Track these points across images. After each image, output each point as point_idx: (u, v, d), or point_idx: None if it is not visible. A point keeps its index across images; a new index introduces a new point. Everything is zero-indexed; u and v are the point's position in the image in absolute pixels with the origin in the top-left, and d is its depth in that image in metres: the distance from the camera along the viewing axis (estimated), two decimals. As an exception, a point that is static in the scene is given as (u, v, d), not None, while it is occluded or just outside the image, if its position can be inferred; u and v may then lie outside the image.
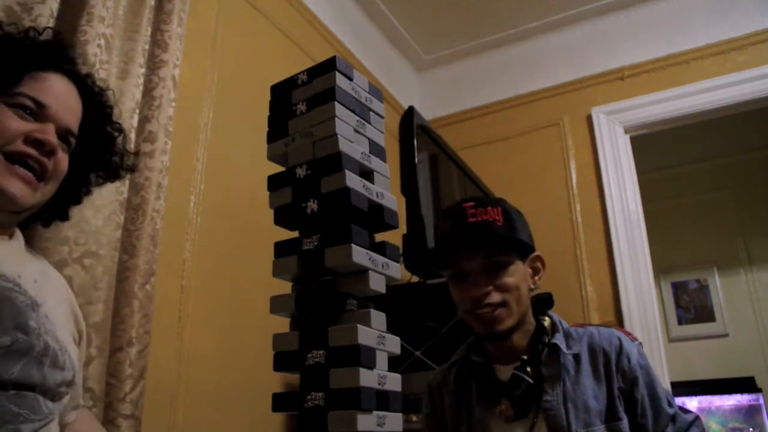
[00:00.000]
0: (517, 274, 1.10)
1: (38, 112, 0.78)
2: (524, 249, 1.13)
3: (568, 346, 1.10)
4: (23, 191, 0.76)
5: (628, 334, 1.14)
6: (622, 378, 1.07)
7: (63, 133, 0.81)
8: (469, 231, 1.09)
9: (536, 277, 1.15)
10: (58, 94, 0.81)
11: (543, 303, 1.18)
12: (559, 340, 1.10)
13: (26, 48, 0.80)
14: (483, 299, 1.08)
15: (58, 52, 0.85)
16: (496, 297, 1.08)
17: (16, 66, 0.77)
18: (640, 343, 1.13)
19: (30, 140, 0.76)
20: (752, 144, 3.93)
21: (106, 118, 0.90)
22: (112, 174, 0.93)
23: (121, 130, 0.93)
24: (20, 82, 0.77)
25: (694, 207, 4.13)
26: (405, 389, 1.12)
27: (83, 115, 0.86)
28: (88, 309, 1.17)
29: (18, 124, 0.75)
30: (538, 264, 1.16)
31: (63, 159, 0.82)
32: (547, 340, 1.11)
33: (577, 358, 1.09)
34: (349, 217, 1.04)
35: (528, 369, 1.08)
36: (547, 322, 1.14)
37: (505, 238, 1.09)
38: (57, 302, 0.86)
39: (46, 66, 0.81)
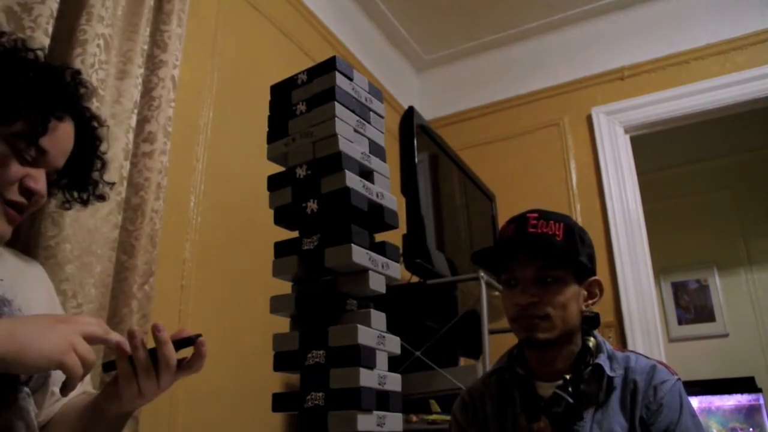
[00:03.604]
0: (568, 292, 1.09)
1: (37, 157, 0.80)
2: (582, 270, 1.12)
3: (612, 369, 1.10)
4: (7, 230, 0.80)
5: (668, 367, 1.12)
6: (646, 409, 1.05)
7: (50, 173, 0.84)
8: (526, 240, 1.10)
9: (590, 301, 1.14)
10: (60, 141, 0.83)
11: (589, 322, 1.17)
12: (603, 360, 1.10)
13: (51, 96, 0.81)
14: (527, 308, 1.08)
15: (76, 98, 0.86)
16: (540, 308, 1.07)
17: (40, 117, 0.78)
18: (679, 379, 1.10)
19: (24, 188, 0.79)
20: (752, 144, 3.93)
21: (92, 152, 0.92)
22: (81, 200, 0.94)
23: (103, 163, 0.95)
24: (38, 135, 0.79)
25: (694, 207, 4.13)
26: (405, 389, 1.12)
27: (73, 147, 0.88)
28: (85, 307, 1.17)
29: (17, 170, 0.78)
30: (596, 289, 1.15)
31: (43, 198, 0.85)
32: (590, 361, 1.10)
33: (614, 382, 1.09)
34: (349, 217, 1.04)
35: (570, 389, 1.07)
36: (592, 342, 1.13)
37: (559, 253, 1.09)
38: (34, 298, 0.87)
39: (62, 116, 0.83)
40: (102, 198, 0.96)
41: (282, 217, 1.11)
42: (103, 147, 0.95)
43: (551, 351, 1.10)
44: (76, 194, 0.93)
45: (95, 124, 0.92)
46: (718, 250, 4.01)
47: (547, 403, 1.08)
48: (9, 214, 0.79)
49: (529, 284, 1.09)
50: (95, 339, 0.69)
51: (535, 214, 1.12)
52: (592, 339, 1.13)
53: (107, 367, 0.80)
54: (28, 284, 0.88)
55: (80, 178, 0.92)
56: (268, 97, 1.20)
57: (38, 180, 0.80)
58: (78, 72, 0.88)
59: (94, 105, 1.26)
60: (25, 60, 0.80)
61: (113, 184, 1.04)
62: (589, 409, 1.07)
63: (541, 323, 1.07)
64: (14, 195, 0.78)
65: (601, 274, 1.18)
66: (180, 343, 0.80)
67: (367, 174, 1.11)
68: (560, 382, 1.08)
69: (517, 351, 1.19)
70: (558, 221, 1.10)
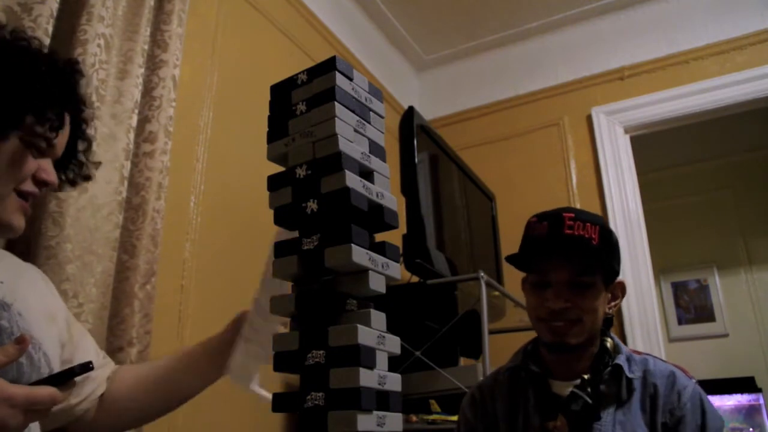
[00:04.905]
0: (599, 297, 1.08)
1: (46, 150, 0.83)
2: (610, 273, 1.11)
3: (631, 370, 1.09)
4: (23, 223, 0.83)
5: (684, 371, 1.11)
6: (669, 414, 1.04)
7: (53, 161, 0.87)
8: (563, 242, 1.06)
9: (613, 303, 1.13)
10: (64, 132, 0.86)
11: (605, 322, 1.16)
12: (622, 361, 1.09)
13: (62, 91, 0.83)
14: (559, 312, 1.06)
15: (77, 89, 0.88)
16: (573, 314, 1.06)
17: (54, 113, 0.81)
18: (696, 382, 1.10)
19: (38, 180, 0.82)
20: (752, 144, 3.93)
21: (81, 134, 0.94)
22: (69, 181, 0.96)
23: (89, 144, 0.97)
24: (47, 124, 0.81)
25: (694, 207, 4.13)
26: (405, 389, 1.12)
27: None
28: (86, 307, 1.17)
29: (32, 164, 0.81)
30: (618, 291, 1.14)
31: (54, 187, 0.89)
32: (609, 362, 1.09)
33: (634, 384, 1.08)
34: (349, 217, 1.04)
35: (588, 389, 1.06)
36: (609, 343, 1.12)
37: (597, 258, 1.07)
38: (34, 300, 0.87)
39: (71, 109, 0.86)
40: (88, 178, 0.98)
41: (282, 217, 1.11)
42: (89, 129, 0.97)
43: (575, 354, 1.10)
44: (64, 176, 0.95)
45: (83, 107, 0.93)
46: (718, 250, 4.01)
47: (565, 401, 1.06)
48: (24, 207, 0.82)
49: (563, 288, 1.06)
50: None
51: (572, 215, 1.08)
52: (609, 340, 1.13)
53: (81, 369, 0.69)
54: (28, 286, 0.88)
55: (69, 159, 0.93)
56: (268, 97, 1.20)
57: (50, 172, 0.83)
58: (76, 61, 0.90)
59: (95, 104, 1.26)
60: (33, 55, 0.82)
61: (99, 163, 1.05)
62: (609, 408, 1.05)
63: (572, 328, 1.06)
64: (29, 186, 0.81)
65: (602, 274, 1.17)
66: (65, 375, 0.69)
67: (367, 174, 1.11)
68: (578, 381, 1.07)
69: (531, 348, 1.18)
70: (594, 224, 1.07)
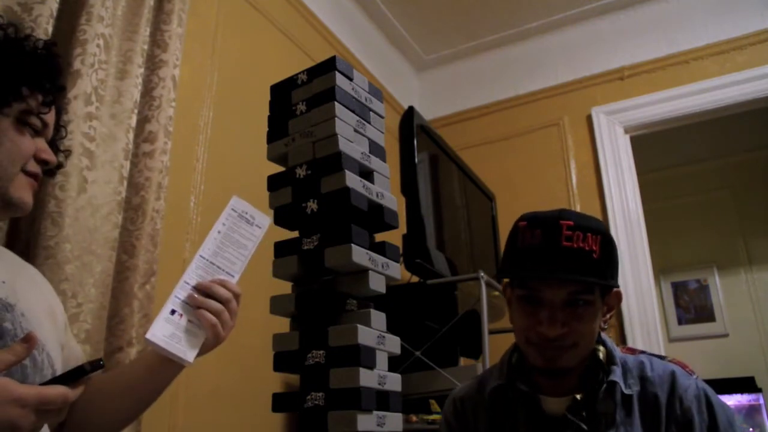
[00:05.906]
0: (597, 315, 0.96)
1: (42, 130, 0.86)
2: (609, 285, 0.98)
3: (627, 384, 0.98)
4: (31, 200, 0.86)
5: (684, 366, 1.03)
6: (675, 424, 0.95)
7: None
8: (561, 256, 0.91)
9: (608, 315, 1.03)
10: (53, 113, 0.89)
11: None
12: (617, 377, 0.97)
13: (49, 69, 0.87)
14: (555, 340, 0.94)
15: (59, 70, 0.91)
16: (569, 340, 0.94)
17: (44, 92, 0.85)
18: (697, 377, 1.01)
19: (38, 160, 0.85)
20: (752, 144, 3.93)
21: (59, 120, 0.97)
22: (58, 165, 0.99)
23: (65, 131, 1.01)
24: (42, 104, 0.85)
25: (694, 207, 4.13)
26: (405, 389, 1.12)
27: None
28: (85, 307, 1.17)
29: (31, 144, 0.84)
30: (614, 301, 1.02)
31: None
32: (604, 378, 0.98)
33: (632, 398, 0.97)
34: (349, 217, 1.04)
35: (583, 413, 0.96)
36: (602, 352, 1.01)
37: (600, 275, 0.93)
38: (35, 299, 0.86)
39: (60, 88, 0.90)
40: (61, 165, 1.00)
41: (282, 217, 1.11)
42: (64, 116, 1.00)
43: (567, 373, 1.00)
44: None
45: (64, 90, 0.98)
46: (718, 250, 4.01)
47: (558, 426, 0.98)
48: (32, 184, 0.85)
49: (558, 309, 0.94)
50: (9, 366, 0.64)
51: (570, 222, 0.93)
52: (601, 348, 1.03)
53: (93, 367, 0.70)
54: (29, 285, 0.88)
55: (53, 144, 0.95)
56: (268, 97, 1.20)
57: (48, 151, 0.87)
58: (54, 42, 0.92)
59: (94, 105, 1.26)
60: (20, 39, 0.85)
61: (70, 152, 1.08)
62: (611, 428, 0.96)
63: (567, 352, 0.96)
64: (33, 167, 0.84)
65: (601, 274, 1.12)
66: (75, 373, 0.69)
67: (367, 174, 1.11)
68: (569, 401, 0.98)
69: (516, 361, 1.07)
70: (595, 233, 0.93)
